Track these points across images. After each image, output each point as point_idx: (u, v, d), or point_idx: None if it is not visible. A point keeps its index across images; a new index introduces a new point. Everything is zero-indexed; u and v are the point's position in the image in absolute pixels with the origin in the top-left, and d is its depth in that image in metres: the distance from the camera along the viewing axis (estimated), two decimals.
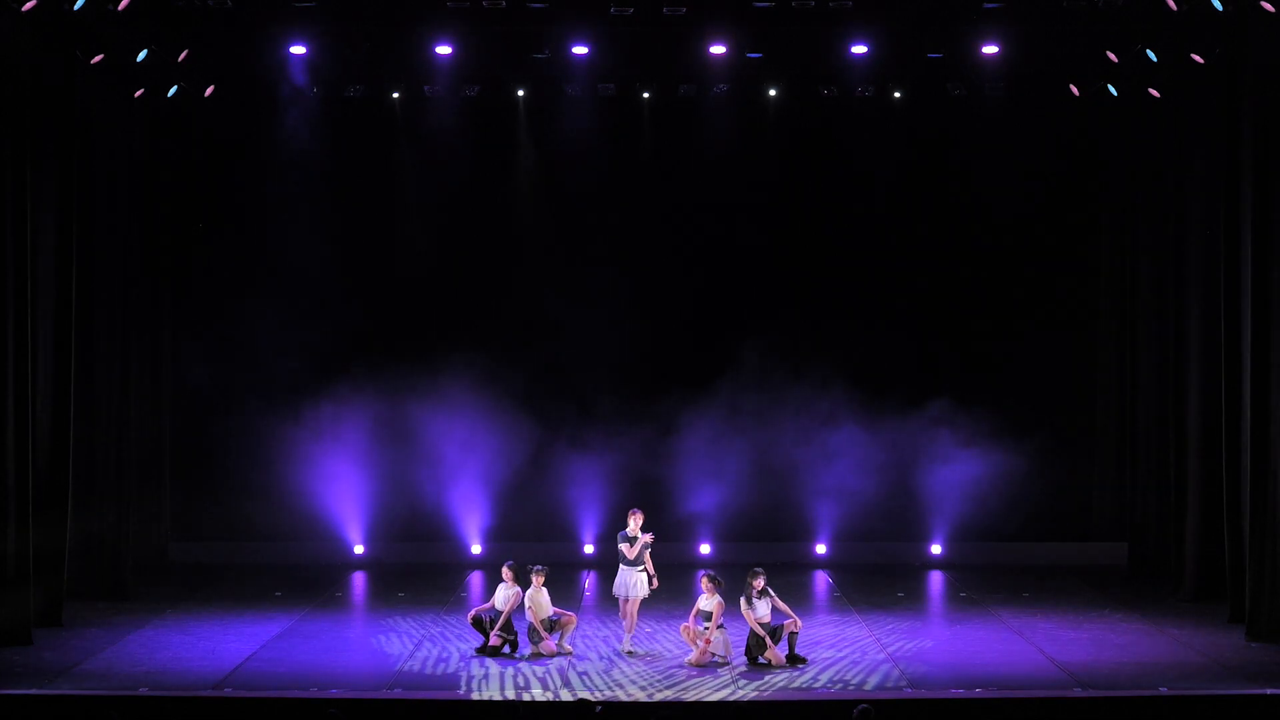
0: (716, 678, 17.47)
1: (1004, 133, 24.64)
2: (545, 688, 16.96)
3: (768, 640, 18.04)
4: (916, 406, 24.82)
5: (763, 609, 18.14)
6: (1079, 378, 25.84)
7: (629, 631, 18.82)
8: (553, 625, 18.70)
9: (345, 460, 25.08)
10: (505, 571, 18.80)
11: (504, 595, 18.65)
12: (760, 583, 18.22)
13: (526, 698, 16.49)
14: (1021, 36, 21.89)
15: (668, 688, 16.97)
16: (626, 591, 18.73)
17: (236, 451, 25.30)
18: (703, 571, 18.80)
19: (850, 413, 24.72)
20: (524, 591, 18.61)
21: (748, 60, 22.96)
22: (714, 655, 18.17)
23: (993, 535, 25.34)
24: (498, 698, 16.50)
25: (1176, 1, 19.86)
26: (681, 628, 18.50)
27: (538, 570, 18.71)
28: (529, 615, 18.57)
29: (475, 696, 16.59)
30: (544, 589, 18.69)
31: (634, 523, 18.82)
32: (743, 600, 18.20)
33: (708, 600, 18.21)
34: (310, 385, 24.81)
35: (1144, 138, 24.04)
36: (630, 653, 18.55)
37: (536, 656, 18.45)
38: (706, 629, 18.14)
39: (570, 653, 18.65)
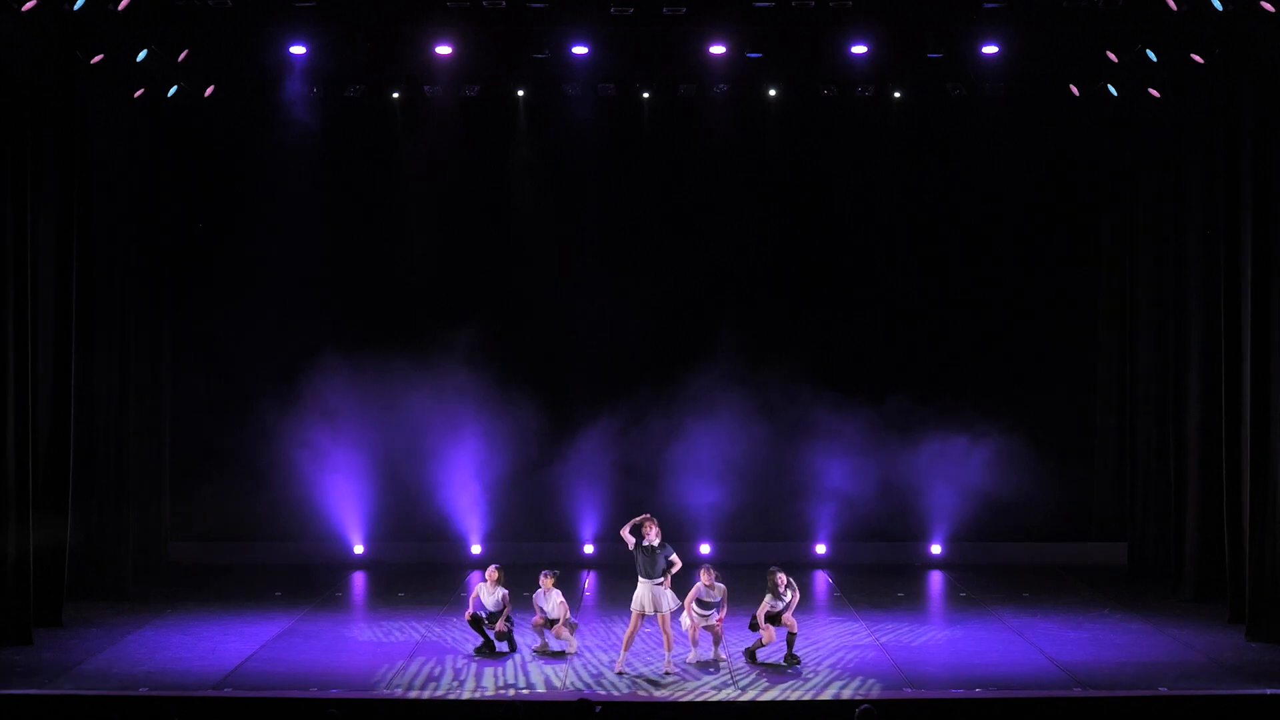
0: (717, 677, 17.47)
1: (1004, 133, 24.64)
2: (545, 687, 16.96)
3: (762, 620, 18.04)
4: (918, 406, 24.85)
5: (778, 604, 18.17)
6: (1079, 377, 25.83)
7: (668, 649, 17.84)
8: (553, 625, 18.70)
9: (345, 460, 25.06)
10: (491, 572, 18.84)
11: (493, 598, 18.69)
12: (782, 579, 18.24)
13: (522, 696, 16.49)
14: (1021, 36, 21.90)
15: (668, 688, 16.97)
16: (654, 608, 17.79)
17: (236, 451, 25.26)
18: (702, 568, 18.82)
19: (851, 412, 24.71)
20: (507, 592, 18.71)
21: (748, 60, 22.93)
22: (685, 630, 18.16)
23: (993, 535, 25.34)
24: (497, 697, 16.49)
25: (1176, 1, 19.86)
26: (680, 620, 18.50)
27: (546, 574, 18.77)
28: (536, 614, 18.59)
29: (475, 696, 16.59)
30: (554, 590, 18.74)
31: (651, 532, 17.93)
32: (767, 598, 18.21)
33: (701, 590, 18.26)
34: (310, 385, 24.79)
35: (1144, 138, 24.03)
36: (668, 673, 17.51)
37: (537, 656, 18.45)
38: (703, 617, 18.16)
39: (570, 653, 18.64)
